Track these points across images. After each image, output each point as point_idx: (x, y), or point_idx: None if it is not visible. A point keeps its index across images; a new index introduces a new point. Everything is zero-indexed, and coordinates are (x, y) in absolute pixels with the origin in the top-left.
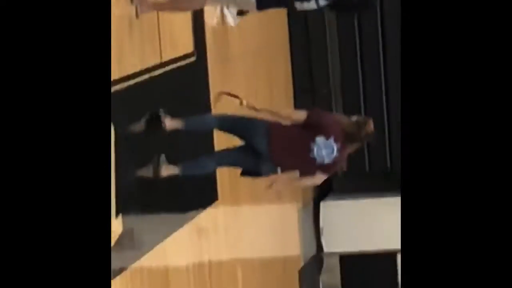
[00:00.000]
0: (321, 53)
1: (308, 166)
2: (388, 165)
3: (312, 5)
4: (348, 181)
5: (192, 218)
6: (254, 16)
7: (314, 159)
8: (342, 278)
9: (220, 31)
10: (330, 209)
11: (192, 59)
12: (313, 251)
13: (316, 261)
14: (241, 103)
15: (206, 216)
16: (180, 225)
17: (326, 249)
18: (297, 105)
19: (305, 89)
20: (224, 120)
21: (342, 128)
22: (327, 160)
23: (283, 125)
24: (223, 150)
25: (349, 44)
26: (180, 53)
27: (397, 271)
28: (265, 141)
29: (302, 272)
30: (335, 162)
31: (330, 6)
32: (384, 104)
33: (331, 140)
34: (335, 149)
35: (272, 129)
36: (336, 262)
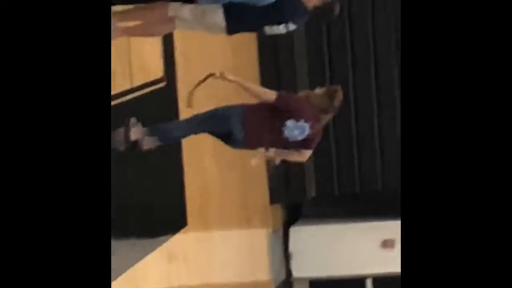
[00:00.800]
0: (291, 75)
1: (283, 145)
2: (357, 189)
3: (281, 30)
4: (317, 206)
5: (162, 243)
6: (224, 40)
7: (287, 138)
8: None
9: (190, 56)
10: (300, 234)
11: (162, 84)
12: (282, 276)
13: (285, 286)
14: (216, 76)
15: (176, 242)
16: (150, 250)
17: (295, 274)
18: None
19: None
20: (195, 122)
21: (313, 104)
22: (300, 137)
23: (255, 107)
24: (194, 118)
25: (318, 70)
26: (151, 78)
27: None
28: (241, 128)
29: None
30: (309, 138)
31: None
32: (353, 124)
33: (302, 121)
34: (307, 127)
35: (246, 114)
36: (305, 287)
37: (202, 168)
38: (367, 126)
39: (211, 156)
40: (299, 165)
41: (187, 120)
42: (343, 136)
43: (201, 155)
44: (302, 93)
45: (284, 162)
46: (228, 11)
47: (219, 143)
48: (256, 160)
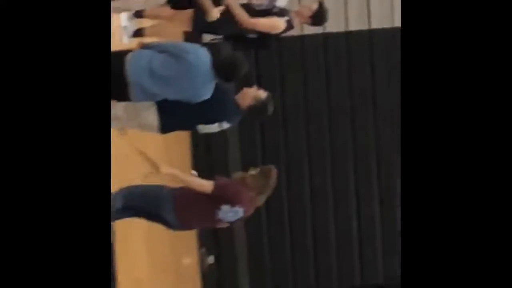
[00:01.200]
0: (222, 154)
1: (216, 224)
2: None
3: (214, 128)
4: None
5: None
6: (158, 138)
7: (221, 219)
8: None
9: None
10: None
11: None
12: None
13: None
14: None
15: None
16: None
17: None
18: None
19: None
20: (125, 193)
21: (249, 186)
22: (233, 219)
23: (186, 193)
24: (124, 189)
25: (250, 149)
26: None
27: None
28: (173, 215)
29: None
30: (241, 218)
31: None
32: (286, 217)
33: (236, 207)
34: (241, 212)
35: (177, 201)
36: None
37: (134, 268)
38: (299, 220)
39: (145, 256)
40: (233, 264)
41: (117, 193)
42: (276, 233)
43: (133, 255)
44: (237, 175)
45: (217, 263)
46: (162, 109)
47: (153, 245)
48: (188, 260)
